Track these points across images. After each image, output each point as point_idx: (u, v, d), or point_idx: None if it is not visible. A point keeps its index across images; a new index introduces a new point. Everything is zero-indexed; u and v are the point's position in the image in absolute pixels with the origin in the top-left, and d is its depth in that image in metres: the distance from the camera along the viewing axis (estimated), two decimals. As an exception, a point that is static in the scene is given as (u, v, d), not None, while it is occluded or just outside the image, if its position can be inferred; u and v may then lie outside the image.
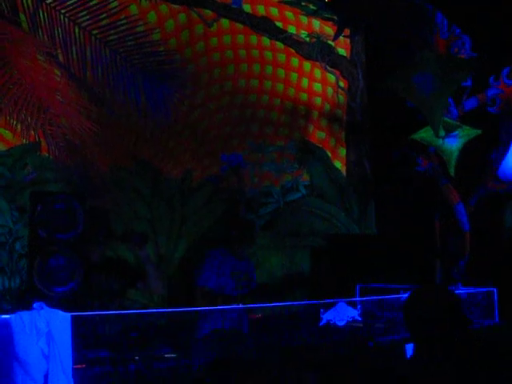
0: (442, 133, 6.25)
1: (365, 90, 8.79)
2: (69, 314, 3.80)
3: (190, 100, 8.34)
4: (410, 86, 5.60)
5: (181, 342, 4.55)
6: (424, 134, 6.43)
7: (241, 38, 8.88)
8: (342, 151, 8.80)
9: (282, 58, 8.93)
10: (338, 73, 8.93)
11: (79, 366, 3.79)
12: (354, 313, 4.92)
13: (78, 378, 3.68)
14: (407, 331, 2.64)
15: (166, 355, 4.36)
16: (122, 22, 5.37)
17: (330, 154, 8.69)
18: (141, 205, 7.45)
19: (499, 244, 7.74)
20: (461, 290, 6.23)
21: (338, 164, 8.71)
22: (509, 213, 8.65)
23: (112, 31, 5.17)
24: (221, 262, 5.41)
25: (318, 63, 8.88)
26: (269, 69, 8.89)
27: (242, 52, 8.87)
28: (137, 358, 4.21)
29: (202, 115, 8.68)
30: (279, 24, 8.96)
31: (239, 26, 8.87)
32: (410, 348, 4.85)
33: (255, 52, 8.90)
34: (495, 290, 5.89)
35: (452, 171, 6.42)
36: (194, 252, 7.34)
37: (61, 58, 5.24)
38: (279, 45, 8.92)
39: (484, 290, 5.92)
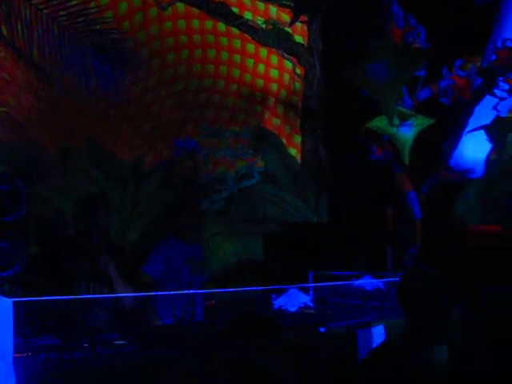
0: (396, 121, 6.30)
1: (321, 78, 8.80)
2: (10, 300, 3.61)
3: (143, 84, 8.20)
4: (365, 74, 5.62)
5: (132, 329, 4.46)
6: (378, 123, 6.46)
7: (196, 23, 8.76)
8: (297, 138, 8.80)
9: (237, 43, 8.85)
10: (294, 60, 8.91)
11: (22, 355, 3.64)
12: (305, 299, 4.92)
13: (21, 366, 3.53)
14: (402, 311, 2.69)
15: (115, 342, 4.26)
16: (73, -2, 5.18)
17: (285, 141, 8.69)
18: (92, 188, 7.28)
19: (450, 232, 7.88)
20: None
21: (293, 151, 8.72)
22: (460, 202, 8.83)
23: (61, 7, 4.96)
24: (170, 249, 5.31)
25: (274, 49, 8.84)
26: (224, 54, 8.80)
27: (197, 37, 8.77)
28: (86, 345, 4.10)
29: (156, 99, 8.55)
30: (235, 10, 8.88)
31: (195, 10, 8.76)
32: (362, 334, 4.88)
33: (210, 37, 8.81)
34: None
35: (406, 160, 6.48)
36: (146, 237, 7.23)
37: (5, 33, 5.01)
38: (235, 31, 8.84)
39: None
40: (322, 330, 4.64)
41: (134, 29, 8.33)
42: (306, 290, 5.15)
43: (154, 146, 8.34)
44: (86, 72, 5.06)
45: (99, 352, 4.05)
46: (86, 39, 5.18)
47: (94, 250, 4.97)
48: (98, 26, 5.23)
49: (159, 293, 4.82)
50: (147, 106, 8.45)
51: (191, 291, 4.98)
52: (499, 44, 7.17)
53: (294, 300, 4.86)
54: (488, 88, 6.97)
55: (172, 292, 4.83)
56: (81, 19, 5.04)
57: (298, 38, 8.99)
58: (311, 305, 5.06)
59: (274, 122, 8.83)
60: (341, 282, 5.65)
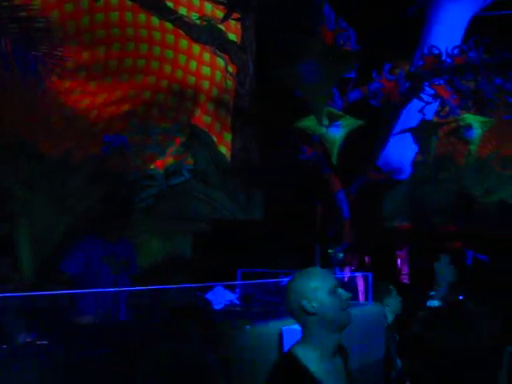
0: (325, 122, 6.36)
1: (253, 77, 8.81)
2: None
3: (73, 77, 7.98)
4: (296, 74, 5.64)
5: (53, 328, 4.30)
6: (308, 123, 6.50)
7: (129, 16, 8.60)
8: (228, 136, 8.78)
9: (170, 38, 8.75)
10: (227, 57, 8.89)
11: None
12: (231, 296, 4.89)
13: None
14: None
15: (37, 342, 4.10)
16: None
17: (215, 139, 8.65)
18: (16, 183, 7.01)
19: (377, 231, 8.07)
20: (339, 275, 6.41)
21: (223, 149, 8.69)
22: (388, 201, 9.05)
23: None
24: (91, 246, 5.16)
25: (207, 47, 8.78)
26: (157, 49, 8.68)
27: (130, 30, 8.61)
28: (4, 346, 3.92)
29: (85, 94, 8.33)
30: (170, 4, 8.77)
31: (128, 3, 8.60)
32: (287, 332, 4.90)
33: (143, 31, 8.66)
34: (370, 274, 6.09)
35: (334, 160, 6.55)
36: (72, 234, 7.03)
37: None
38: (168, 25, 8.73)
39: (360, 274, 6.10)
40: (248, 327, 4.62)
41: (63, 19, 8.09)
42: (232, 288, 5.12)
43: (82, 141, 8.12)
44: (5, 57, 4.83)
45: (18, 353, 3.89)
46: (10, 27, 4.97)
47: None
48: (23, 14, 5.02)
49: (80, 291, 4.69)
50: (76, 100, 8.23)
51: (115, 289, 4.86)
52: (426, 51, 7.37)
53: (219, 298, 4.82)
54: (415, 92, 7.16)
55: (94, 290, 4.70)
56: (5, 3, 4.81)
57: (232, 36, 8.98)
58: (237, 302, 5.04)
59: (204, 119, 8.78)
60: (268, 280, 5.66)
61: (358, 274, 5.95)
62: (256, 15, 8.42)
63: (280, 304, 5.49)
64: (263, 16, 8.15)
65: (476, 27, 9.45)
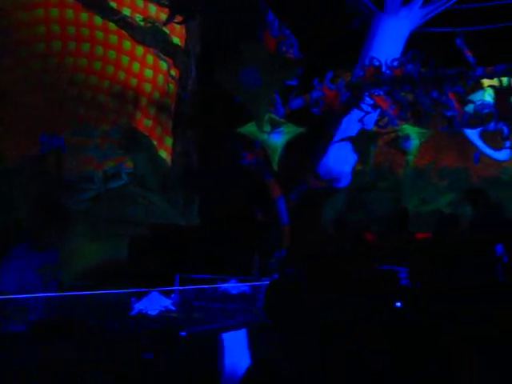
0: (267, 128, 6.39)
1: (196, 81, 8.76)
2: None
3: (9, 74, 7.75)
4: (237, 79, 5.64)
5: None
6: (250, 128, 6.51)
7: (70, 14, 8.40)
8: (169, 141, 8.68)
9: (113, 39, 8.60)
10: (170, 61, 8.81)
11: None
12: (167, 302, 4.83)
13: None
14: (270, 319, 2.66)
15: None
16: None
17: (156, 143, 8.54)
18: None
19: (316, 238, 8.12)
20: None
21: (164, 153, 8.59)
22: (329, 208, 9.14)
23: None
24: (23, 261, 4.98)
25: (151, 49, 8.68)
26: (99, 49, 8.51)
27: (71, 29, 8.41)
28: None
29: (23, 91, 8.09)
30: (113, 4, 8.63)
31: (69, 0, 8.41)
32: (226, 337, 4.87)
33: (85, 30, 8.48)
34: (307, 281, 6.13)
35: (275, 166, 6.59)
36: (4, 238, 6.79)
37: None
38: (112, 26, 8.58)
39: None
40: (183, 333, 4.57)
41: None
42: (167, 294, 5.06)
43: (19, 141, 7.87)
44: None
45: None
46: None
47: None
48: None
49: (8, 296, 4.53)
50: (13, 97, 7.97)
51: (46, 294, 4.71)
52: (367, 62, 7.51)
53: (154, 303, 4.75)
54: (355, 101, 7.28)
55: (24, 295, 4.55)
56: None
57: (176, 40, 8.91)
58: (173, 308, 4.98)
59: (145, 122, 8.65)
60: (207, 286, 5.62)
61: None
62: (201, 20, 8.38)
63: (219, 309, 5.46)
64: (207, 21, 8.12)
65: (415, 42, 9.73)
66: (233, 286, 5.84)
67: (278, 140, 6.38)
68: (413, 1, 9.93)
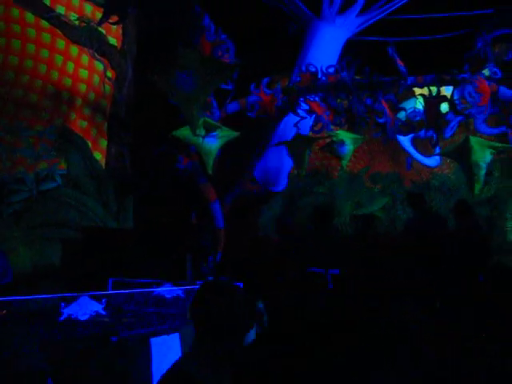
0: (201, 132, 6.37)
1: (132, 83, 8.66)
2: None
3: None
4: (172, 82, 5.61)
5: None
6: (185, 132, 6.47)
7: (0, 9, 8.15)
8: (104, 143, 8.54)
9: (46, 37, 8.39)
10: (106, 62, 8.68)
11: None
12: (97, 307, 4.74)
13: None
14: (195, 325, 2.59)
15: None
16: None
17: (90, 145, 8.38)
18: None
19: (251, 242, 8.17)
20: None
21: (98, 155, 8.44)
22: (264, 213, 9.21)
23: None
24: None
25: (86, 49, 8.52)
26: (31, 47, 8.29)
27: (1, 24, 8.15)
28: None
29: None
30: (47, 1, 8.43)
31: (-1, -6, 8.16)
32: (156, 341, 4.83)
33: (16, 27, 8.24)
34: (241, 284, 6.16)
35: (209, 170, 6.58)
36: None
37: None
38: (44, 23, 8.38)
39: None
40: (114, 338, 4.50)
41: None
42: (98, 298, 4.97)
43: None
44: None
45: None
46: None
47: None
48: None
49: None
50: None
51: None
52: (303, 68, 7.61)
53: (84, 308, 4.65)
54: (291, 107, 7.36)
55: None
56: None
57: (112, 40, 8.78)
58: (103, 313, 4.89)
59: (80, 123, 8.49)
60: (139, 290, 5.56)
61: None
62: (137, 21, 8.29)
63: (150, 314, 5.41)
64: (144, 22, 8.05)
65: (351, 50, 9.94)
66: (167, 290, 5.80)
67: (212, 144, 6.37)
68: (349, 9, 10.15)
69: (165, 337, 4.94)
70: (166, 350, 4.90)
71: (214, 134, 6.37)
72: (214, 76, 5.53)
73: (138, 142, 8.41)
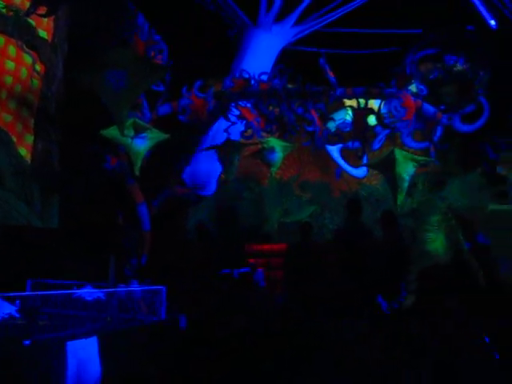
0: (131, 132, 6.28)
1: (63, 79, 8.45)
2: None
3: None
4: (102, 80, 5.50)
5: None
6: (114, 132, 6.36)
7: None
8: (30, 138, 8.27)
9: (-30, 25, 8.06)
10: (35, 55, 8.42)
11: None
12: (10, 309, 4.59)
13: None
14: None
15: None
16: None
17: (15, 140, 8.10)
18: None
19: (177, 245, 8.12)
20: (134, 288, 6.32)
21: (23, 151, 8.16)
22: (191, 216, 9.18)
23: None
24: None
25: (13, 40, 8.23)
26: (-48, 36, 7.94)
27: None
28: None
29: None
30: (-30, -14, 8.10)
31: None
32: (71, 345, 4.71)
33: None
34: (164, 288, 6.10)
35: (137, 171, 6.49)
36: None
37: None
38: (-33, 11, 8.05)
39: (154, 287, 6.08)
40: (27, 342, 4.36)
41: None
42: (12, 300, 4.80)
43: None
44: None
45: None
46: None
47: None
48: None
49: None
50: None
51: None
52: (237, 73, 7.64)
53: (-4, 310, 4.49)
54: (222, 111, 7.37)
55: None
56: None
57: (43, 34, 8.53)
58: (17, 315, 4.73)
59: (4, 117, 8.18)
60: (58, 291, 5.41)
61: (152, 288, 5.92)
62: (69, 17, 8.10)
63: (71, 317, 5.28)
64: (76, 18, 7.87)
65: (286, 59, 10.08)
66: (87, 293, 5.68)
67: (141, 145, 6.29)
68: (285, 19, 10.30)
69: (82, 340, 4.83)
70: (83, 354, 4.80)
71: (144, 135, 6.30)
72: (145, 76, 5.47)
73: (67, 140, 8.20)
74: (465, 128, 8.77)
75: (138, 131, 6.29)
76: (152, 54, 6.62)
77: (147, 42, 6.62)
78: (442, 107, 7.92)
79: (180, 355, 5.59)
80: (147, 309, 5.84)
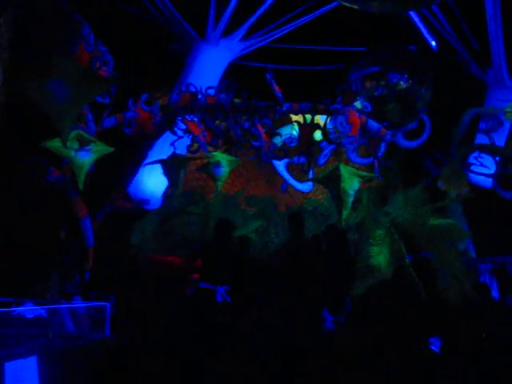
0: (74, 145, 6.15)
1: (2, 88, 8.19)
2: None
3: None
4: (44, 90, 5.37)
5: None
6: (57, 143, 6.21)
7: None
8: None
9: None
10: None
11: None
12: None
13: None
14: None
15: None
16: None
17: None
18: None
19: (121, 260, 7.98)
20: (77, 304, 6.18)
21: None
22: (137, 231, 9.03)
23: None
24: None
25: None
26: None
27: None
28: None
29: None
30: None
31: None
32: (11, 366, 4.54)
33: None
34: (108, 304, 5.97)
35: (81, 185, 6.35)
36: None
37: None
38: None
39: (98, 304, 5.95)
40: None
41: None
42: None
43: None
44: None
45: None
46: None
47: None
48: None
49: None
50: None
51: None
52: (184, 87, 7.61)
53: None
54: (168, 125, 7.32)
55: None
56: None
57: (-18, 42, 8.28)
58: None
59: None
60: (-3, 310, 5.22)
61: (96, 304, 5.80)
62: (11, 24, 7.88)
63: (7, 335, 5.10)
64: (18, 26, 7.67)
65: (233, 73, 10.12)
66: (28, 310, 5.51)
67: (85, 158, 6.17)
68: (233, 33, 10.35)
69: (21, 361, 4.66)
70: (22, 376, 4.63)
71: (88, 148, 6.18)
72: (89, 88, 5.37)
73: (6, 151, 7.93)
74: (407, 144, 9.01)
75: (83, 144, 6.17)
76: (97, 65, 6.52)
77: (92, 53, 6.52)
78: (386, 124, 8.11)
79: (124, 372, 5.48)
80: (91, 325, 5.71)
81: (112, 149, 6.30)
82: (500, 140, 10.83)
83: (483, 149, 10.58)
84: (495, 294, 8.65)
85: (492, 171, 10.37)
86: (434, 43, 10.88)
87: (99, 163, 6.73)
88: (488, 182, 10.48)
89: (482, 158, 10.54)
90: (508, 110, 10.11)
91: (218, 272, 6.67)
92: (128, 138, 7.27)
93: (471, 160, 10.60)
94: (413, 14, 10.69)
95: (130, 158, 7.61)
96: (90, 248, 7.01)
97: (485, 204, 10.44)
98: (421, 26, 10.74)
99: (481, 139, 10.95)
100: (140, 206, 8.46)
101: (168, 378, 4.80)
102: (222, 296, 6.51)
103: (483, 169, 10.51)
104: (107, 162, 6.87)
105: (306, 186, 9.35)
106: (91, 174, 6.67)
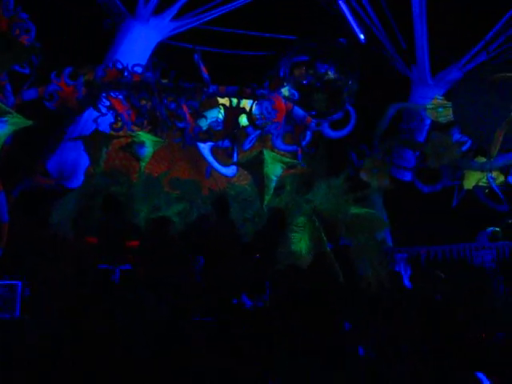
0: (-11, 116, 5.90)
1: None
2: None
3: None
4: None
5: None
6: (-30, 113, 5.95)
7: None
8: None
9: None
10: None
11: None
12: None
13: None
14: None
15: None
16: None
17: None
18: None
19: (39, 239, 7.72)
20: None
21: None
22: (56, 209, 8.74)
23: None
24: None
25: None
26: None
27: None
28: None
29: None
30: None
31: None
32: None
33: None
34: (20, 283, 5.79)
35: (-5, 158, 6.12)
36: None
37: None
38: None
39: (9, 282, 5.76)
40: None
41: None
42: None
43: None
44: None
45: None
46: None
47: None
48: None
49: None
50: None
51: None
52: (110, 64, 7.43)
53: None
54: (92, 101, 7.13)
55: None
56: None
57: None
58: None
59: None
60: None
61: (6, 283, 5.62)
62: None
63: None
64: None
65: (162, 53, 9.95)
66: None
67: (0, 130, 5.93)
68: (164, 12, 10.16)
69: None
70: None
71: (4, 119, 5.94)
72: (6, 55, 5.14)
73: None
74: (332, 134, 9.14)
75: (-2, 115, 5.92)
76: (16, 31, 6.23)
77: (11, 19, 6.23)
78: (313, 113, 8.20)
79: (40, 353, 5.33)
80: (1, 305, 5.52)
81: (30, 122, 6.07)
82: (420, 136, 11.18)
83: (404, 143, 10.89)
84: (407, 282, 8.94)
85: (411, 165, 10.70)
86: (362, 37, 11.06)
87: (17, 137, 6.49)
88: (407, 175, 10.81)
89: (403, 151, 10.87)
90: (429, 107, 10.41)
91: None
92: (49, 111, 7.04)
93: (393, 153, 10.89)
94: (344, 7, 10.83)
95: (51, 132, 7.38)
96: (4, 224, 6.75)
97: (403, 196, 10.74)
98: (351, 19, 10.89)
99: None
100: (60, 182, 8.21)
101: (80, 360, 4.72)
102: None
103: (403, 162, 10.83)
104: (25, 136, 6.64)
105: (230, 171, 9.32)
106: (7, 147, 6.42)
